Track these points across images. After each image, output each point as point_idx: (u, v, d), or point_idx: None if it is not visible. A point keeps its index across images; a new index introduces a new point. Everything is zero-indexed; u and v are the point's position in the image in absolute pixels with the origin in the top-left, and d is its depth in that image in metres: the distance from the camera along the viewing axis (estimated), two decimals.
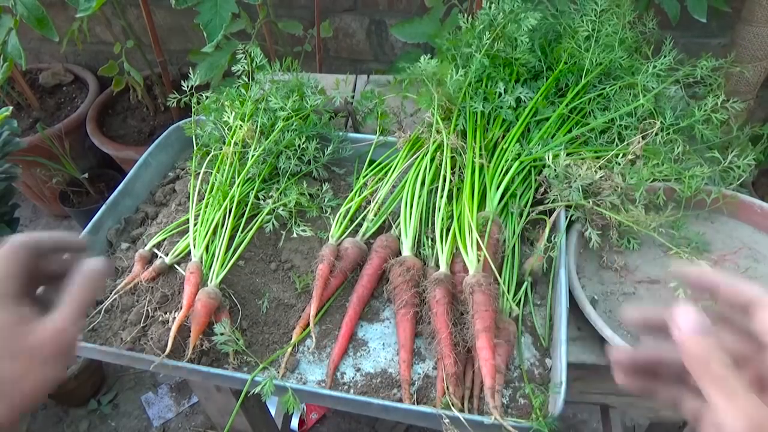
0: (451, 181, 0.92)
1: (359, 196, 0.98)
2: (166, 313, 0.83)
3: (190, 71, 1.08)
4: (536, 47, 1.08)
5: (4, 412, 0.43)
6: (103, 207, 0.96)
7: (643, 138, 0.91)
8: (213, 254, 0.88)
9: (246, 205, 0.97)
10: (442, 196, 0.89)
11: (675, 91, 1.02)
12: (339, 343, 0.81)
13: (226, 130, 1.03)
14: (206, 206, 0.94)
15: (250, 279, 0.91)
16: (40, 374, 0.45)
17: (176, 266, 0.88)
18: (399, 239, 0.89)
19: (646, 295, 0.88)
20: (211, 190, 0.95)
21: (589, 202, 0.88)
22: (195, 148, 1.06)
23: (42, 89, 2.37)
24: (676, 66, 1.03)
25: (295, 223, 0.97)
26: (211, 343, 0.79)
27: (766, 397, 0.36)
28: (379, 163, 1.03)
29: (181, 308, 0.80)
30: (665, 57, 1.01)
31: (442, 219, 0.87)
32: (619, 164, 0.90)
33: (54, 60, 2.50)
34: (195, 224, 0.91)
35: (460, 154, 0.98)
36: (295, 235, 0.95)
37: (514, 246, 0.89)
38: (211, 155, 1.03)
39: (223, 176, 0.96)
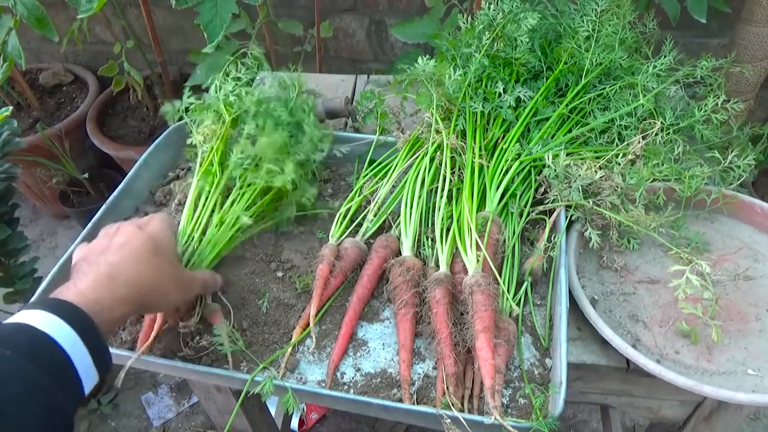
0: (450, 181, 0.92)
1: (359, 196, 0.98)
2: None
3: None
4: (536, 47, 1.08)
5: (149, 306, 0.69)
6: (103, 207, 0.96)
7: (643, 138, 0.91)
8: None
9: None
10: (442, 196, 0.89)
11: (675, 91, 1.02)
12: (339, 343, 0.81)
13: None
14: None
15: (250, 279, 0.91)
16: (182, 296, 0.72)
17: None
18: (399, 239, 0.89)
19: (646, 295, 0.88)
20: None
21: (589, 202, 0.88)
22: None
23: (42, 89, 2.37)
24: (676, 66, 1.03)
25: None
26: (211, 343, 0.79)
27: None
28: (379, 163, 1.04)
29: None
30: (665, 57, 1.01)
31: (442, 219, 0.87)
32: (619, 164, 0.90)
33: (54, 60, 2.50)
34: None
35: (460, 154, 0.98)
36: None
37: (514, 246, 0.89)
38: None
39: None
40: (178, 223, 0.85)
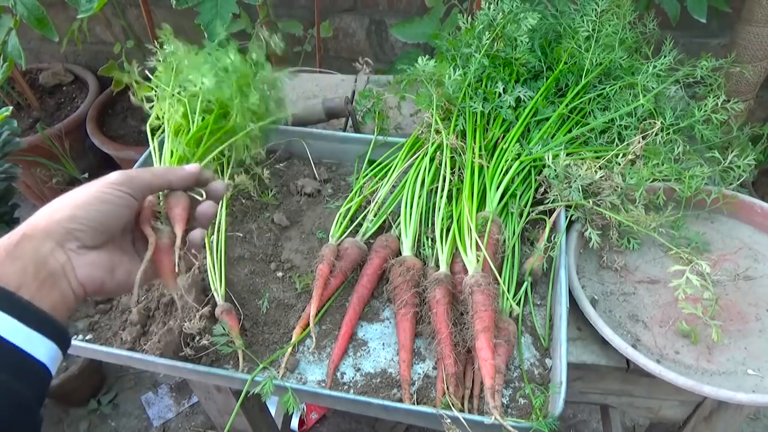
0: (450, 181, 0.92)
1: (359, 196, 0.98)
2: (166, 313, 0.83)
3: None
4: (536, 47, 1.08)
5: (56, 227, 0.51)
6: None
7: (643, 138, 0.91)
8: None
9: None
10: (441, 196, 0.89)
11: (675, 91, 1.02)
12: (339, 343, 0.81)
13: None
14: None
15: (250, 279, 0.91)
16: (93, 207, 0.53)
17: None
18: (399, 239, 0.89)
19: (646, 295, 0.88)
20: None
21: (589, 202, 0.88)
22: None
23: (42, 89, 2.36)
24: (676, 66, 1.03)
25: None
26: (211, 343, 0.79)
27: None
28: (379, 163, 1.04)
29: (180, 308, 0.80)
30: (665, 57, 1.01)
31: (442, 219, 0.87)
32: (619, 164, 0.90)
33: (54, 60, 2.50)
34: None
35: (460, 154, 0.98)
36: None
37: (514, 246, 0.89)
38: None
39: None
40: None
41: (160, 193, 0.62)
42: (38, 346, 0.47)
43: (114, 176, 0.56)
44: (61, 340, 0.49)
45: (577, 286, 0.84)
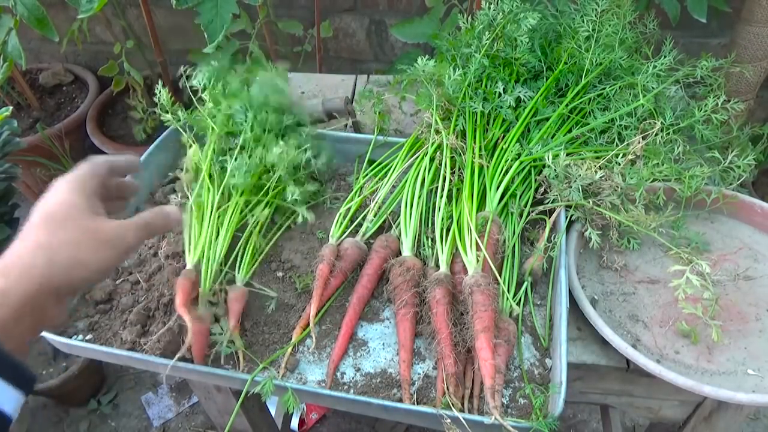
0: (450, 181, 0.92)
1: (359, 196, 0.98)
2: (166, 313, 0.83)
3: (184, 77, 1.05)
4: (536, 47, 1.08)
5: (64, 281, 0.52)
6: None
7: (643, 138, 0.91)
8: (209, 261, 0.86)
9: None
10: (441, 196, 0.89)
11: (675, 91, 1.02)
12: (339, 343, 0.81)
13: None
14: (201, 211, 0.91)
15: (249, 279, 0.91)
16: (110, 254, 0.56)
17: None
18: (399, 239, 0.89)
19: (646, 295, 0.88)
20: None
21: (589, 202, 0.88)
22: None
23: (42, 89, 2.37)
24: (676, 66, 1.03)
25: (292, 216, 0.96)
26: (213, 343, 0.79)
27: None
28: (379, 163, 1.04)
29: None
30: (665, 57, 1.01)
31: (442, 219, 0.87)
32: (619, 164, 0.90)
33: (54, 60, 2.50)
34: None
35: (460, 154, 0.98)
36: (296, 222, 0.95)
37: (514, 246, 0.89)
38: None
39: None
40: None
41: (218, 286, 0.84)
42: (10, 397, 0.44)
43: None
44: (28, 387, 0.47)
45: (577, 286, 0.84)
